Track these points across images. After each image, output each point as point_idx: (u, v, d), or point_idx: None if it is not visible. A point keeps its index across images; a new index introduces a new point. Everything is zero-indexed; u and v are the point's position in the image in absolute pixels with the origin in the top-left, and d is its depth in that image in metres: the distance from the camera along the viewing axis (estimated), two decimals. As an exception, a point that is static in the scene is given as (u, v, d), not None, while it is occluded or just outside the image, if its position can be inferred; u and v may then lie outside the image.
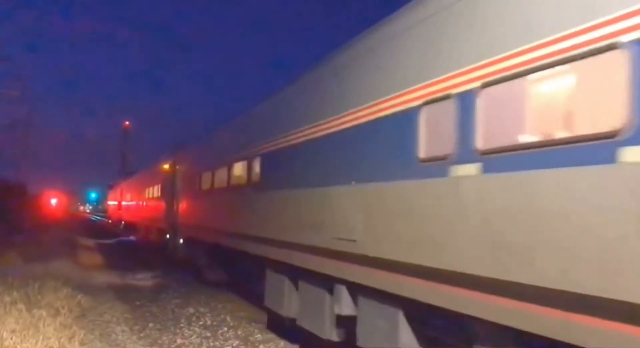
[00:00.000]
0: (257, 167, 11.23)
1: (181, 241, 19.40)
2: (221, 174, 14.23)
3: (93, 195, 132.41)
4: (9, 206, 35.41)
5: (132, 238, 37.76)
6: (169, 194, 21.29)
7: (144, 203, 30.93)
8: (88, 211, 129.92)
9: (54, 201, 79.25)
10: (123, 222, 42.62)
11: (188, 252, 18.86)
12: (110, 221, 55.20)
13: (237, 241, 12.25)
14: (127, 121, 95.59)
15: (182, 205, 19.20)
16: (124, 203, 42.68)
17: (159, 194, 25.26)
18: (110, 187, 60.95)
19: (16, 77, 44.62)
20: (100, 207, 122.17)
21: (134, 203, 36.64)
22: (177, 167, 20.51)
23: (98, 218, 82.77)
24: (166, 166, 22.80)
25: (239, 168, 12.75)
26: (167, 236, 21.82)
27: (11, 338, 8.09)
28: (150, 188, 28.52)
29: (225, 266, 16.15)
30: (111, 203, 56.88)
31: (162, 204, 23.50)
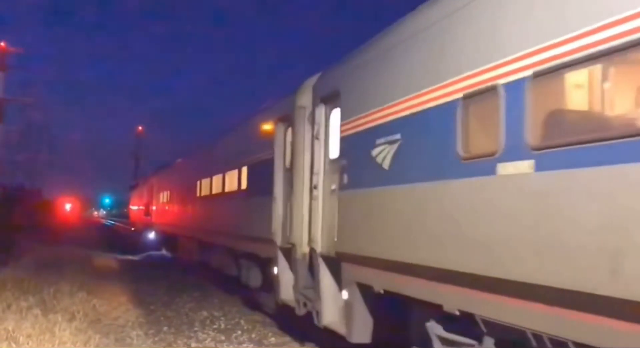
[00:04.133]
0: None
1: (345, 295, 7.94)
2: None
3: (107, 200, 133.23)
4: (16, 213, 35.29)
5: (164, 252, 30.21)
6: (284, 185, 10.85)
7: (198, 206, 19.84)
8: (102, 216, 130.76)
9: (68, 207, 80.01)
10: (154, 232, 32.55)
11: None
12: (133, 229, 44.59)
13: None
14: (141, 126, 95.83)
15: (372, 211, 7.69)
16: (155, 206, 31.90)
17: (242, 185, 13.97)
18: (134, 187, 48.55)
19: (30, 84, 45.22)
20: (114, 212, 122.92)
21: (174, 205, 25.32)
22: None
23: (112, 222, 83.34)
24: (270, 127, 11.80)
25: None
26: (276, 270, 10.83)
27: (27, 343, 8.29)
28: (214, 180, 17.24)
29: None
30: (134, 207, 45.11)
31: (249, 208, 13.00)
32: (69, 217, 70.28)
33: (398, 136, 6.57)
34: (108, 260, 25.97)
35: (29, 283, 13.16)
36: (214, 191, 17.31)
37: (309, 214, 9.32)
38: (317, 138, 9.12)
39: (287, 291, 10.49)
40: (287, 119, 10.82)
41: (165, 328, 11.77)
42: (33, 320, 9.53)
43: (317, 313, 8.91)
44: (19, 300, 11.00)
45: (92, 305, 12.25)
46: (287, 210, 10.48)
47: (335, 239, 8.14)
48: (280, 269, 10.70)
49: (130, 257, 29.23)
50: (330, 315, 8.68)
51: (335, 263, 8.37)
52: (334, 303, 8.58)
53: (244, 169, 13.77)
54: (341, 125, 8.22)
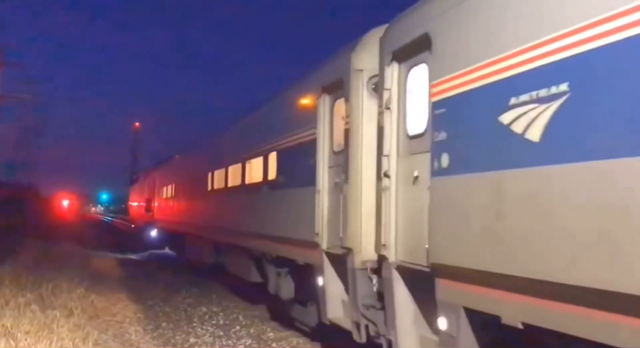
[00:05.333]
0: None
1: (442, 324, 5.57)
2: None
3: (104, 196, 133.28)
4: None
5: (168, 251, 27.80)
6: (331, 174, 8.58)
7: (209, 201, 17.41)
8: (99, 212, 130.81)
9: (65, 203, 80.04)
10: (156, 229, 29.66)
11: None
12: (132, 226, 41.98)
13: None
14: (137, 122, 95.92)
15: None
16: (157, 202, 29.29)
17: (270, 175, 11.42)
18: (134, 181, 45.44)
19: (28, 81, 45.07)
20: (112, 208, 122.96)
21: (180, 200, 22.84)
22: None
23: (109, 219, 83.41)
24: (311, 100, 9.27)
25: None
26: (320, 281, 8.61)
27: (26, 340, 8.05)
28: (230, 171, 14.83)
29: None
30: (134, 203, 41.77)
31: (280, 203, 10.68)
32: (66, 214, 70.32)
33: (563, 88, 4.11)
34: (110, 263, 23.65)
35: (27, 280, 13.09)
36: (230, 184, 14.63)
37: (376, 211, 6.91)
38: (388, 108, 6.66)
39: (336, 308, 8.31)
40: (338, 88, 8.23)
41: (163, 324, 11.54)
42: (31, 317, 9.17)
43: (390, 343, 6.62)
44: (17, 297, 10.70)
45: (90, 301, 11.98)
46: (339, 205, 7.97)
47: (427, 246, 5.69)
48: (327, 280, 8.38)
49: (130, 256, 27.12)
50: None
51: (422, 278, 5.93)
52: (417, 333, 6.40)
53: (272, 156, 11.13)
54: (432, 86, 5.76)
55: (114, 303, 13.08)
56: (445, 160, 5.49)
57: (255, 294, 13.77)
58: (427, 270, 5.73)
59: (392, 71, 6.70)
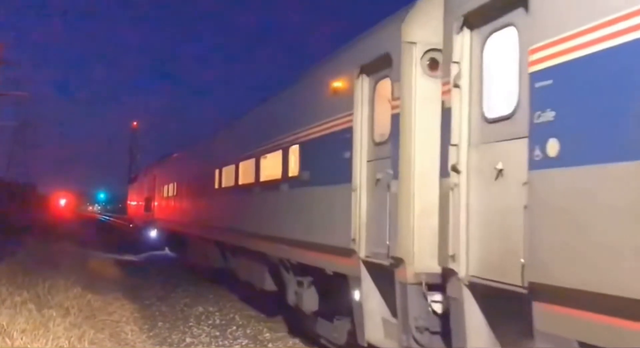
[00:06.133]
0: None
1: None
2: None
3: (102, 195, 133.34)
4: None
5: (168, 252, 26.44)
6: (370, 170, 7.36)
7: (217, 199, 16.01)
8: (97, 211, 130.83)
9: (62, 202, 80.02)
10: (155, 229, 28.45)
11: None
12: (131, 225, 40.45)
13: None
14: (135, 121, 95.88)
15: None
16: (157, 201, 27.81)
17: (291, 172, 10.17)
18: (133, 179, 44.23)
19: (24, 79, 45.01)
20: (109, 207, 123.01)
21: (183, 199, 21.28)
22: None
23: (107, 218, 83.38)
24: (344, 83, 7.79)
25: None
26: (357, 295, 7.38)
27: (21, 338, 7.94)
28: (241, 167, 13.50)
29: None
30: (133, 202, 40.52)
31: (304, 203, 9.33)
32: (63, 212, 70.34)
33: None
34: (110, 265, 21.85)
35: (24, 278, 13.10)
36: (241, 181, 13.21)
37: (440, 214, 5.60)
38: (457, 86, 5.41)
39: (376, 329, 7.08)
40: (382, 66, 6.87)
41: (160, 324, 11.40)
42: (27, 315, 8.89)
43: None
44: (13, 295, 10.54)
45: (86, 300, 11.75)
46: (381, 206, 6.76)
47: (522, 260, 4.45)
48: (365, 294, 7.10)
49: (132, 258, 25.84)
50: None
51: (505, 300, 4.78)
52: None
53: (294, 150, 9.72)
54: (530, 52, 4.40)
55: (111, 303, 12.91)
56: (553, 147, 4.10)
57: (265, 302, 12.84)
58: (522, 290, 4.40)
59: (463, 40, 5.37)
